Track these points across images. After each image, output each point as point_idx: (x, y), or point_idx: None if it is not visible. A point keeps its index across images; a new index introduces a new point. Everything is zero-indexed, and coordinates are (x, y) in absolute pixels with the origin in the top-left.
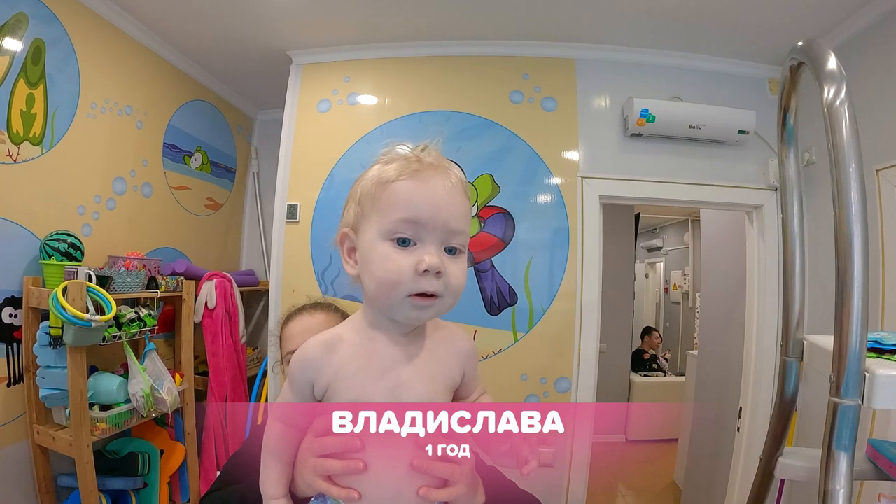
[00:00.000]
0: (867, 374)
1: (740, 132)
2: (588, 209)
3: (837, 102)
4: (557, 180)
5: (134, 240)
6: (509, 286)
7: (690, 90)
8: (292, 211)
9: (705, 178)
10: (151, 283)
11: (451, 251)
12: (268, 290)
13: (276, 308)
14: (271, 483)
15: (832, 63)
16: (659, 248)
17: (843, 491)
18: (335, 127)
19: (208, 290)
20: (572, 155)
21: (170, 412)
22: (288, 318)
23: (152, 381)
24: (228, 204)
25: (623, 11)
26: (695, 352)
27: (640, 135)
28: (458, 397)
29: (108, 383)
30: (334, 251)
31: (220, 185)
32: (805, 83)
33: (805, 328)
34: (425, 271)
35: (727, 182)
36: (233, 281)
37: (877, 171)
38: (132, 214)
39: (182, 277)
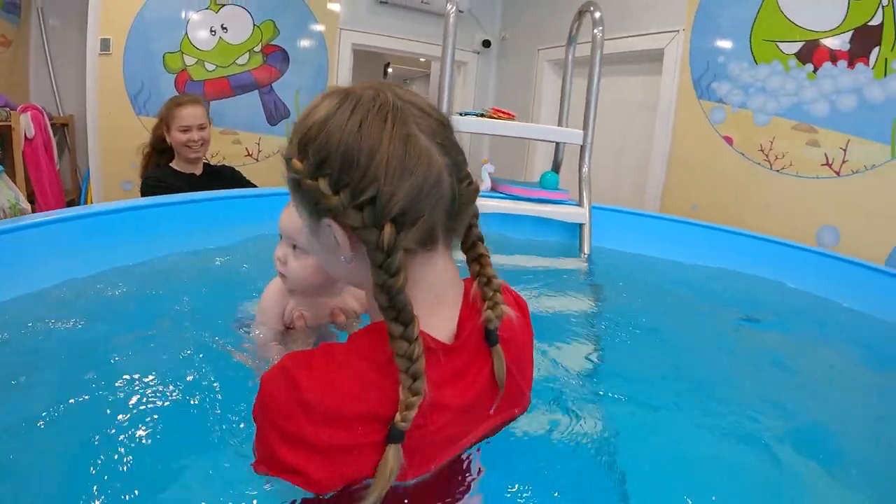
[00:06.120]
0: None
1: (459, 11)
2: (343, 53)
3: None
4: (322, 28)
5: None
6: (284, 104)
7: None
8: (105, 44)
9: (434, 39)
10: None
11: (295, 247)
12: (64, 125)
13: (93, 130)
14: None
15: None
16: None
17: None
18: None
19: (26, 122)
20: (334, 12)
21: None
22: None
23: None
24: (17, 40)
25: None
26: None
27: (386, 2)
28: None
29: None
30: (146, 78)
31: (9, 20)
32: None
33: None
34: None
35: None
36: (45, 113)
37: (538, 50)
38: None
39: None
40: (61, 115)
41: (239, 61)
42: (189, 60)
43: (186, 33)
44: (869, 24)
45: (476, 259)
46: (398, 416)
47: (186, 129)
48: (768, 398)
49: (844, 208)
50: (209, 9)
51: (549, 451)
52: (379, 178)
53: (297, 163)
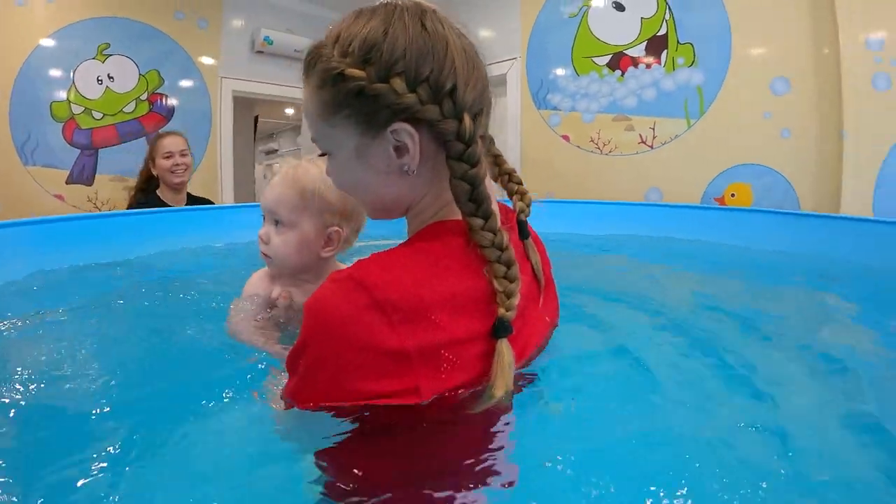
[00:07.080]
0: None
1: None
2: (224, 100)
3: None
4: (204, 77)
5: None
6: None
7: (302, 25)
8: None
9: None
10: None
11: (277, 223)
12: None
13: None
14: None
15: None
16: (276, 151)
17: None
18: (28, 22)
19: None
20: (215, 61)
21: None
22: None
23: None
24: None
25: None
26: None
27: (262, 52)
28: None
29: None
30: (33, 127)
31: None
32: None
33: None
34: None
35: None
36: None
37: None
38: None
39: None
40: None
41: (126, 109)
42: (76, 109)
43: (73, 82)
44: (657, 34)
45: (493, 160)
46: (501, 309)
47: (170, 156)
48: (650, 309)
49: (661, 172)
50: (95, 59)
51: None
52: (456, 69)
53: (356, 70)
